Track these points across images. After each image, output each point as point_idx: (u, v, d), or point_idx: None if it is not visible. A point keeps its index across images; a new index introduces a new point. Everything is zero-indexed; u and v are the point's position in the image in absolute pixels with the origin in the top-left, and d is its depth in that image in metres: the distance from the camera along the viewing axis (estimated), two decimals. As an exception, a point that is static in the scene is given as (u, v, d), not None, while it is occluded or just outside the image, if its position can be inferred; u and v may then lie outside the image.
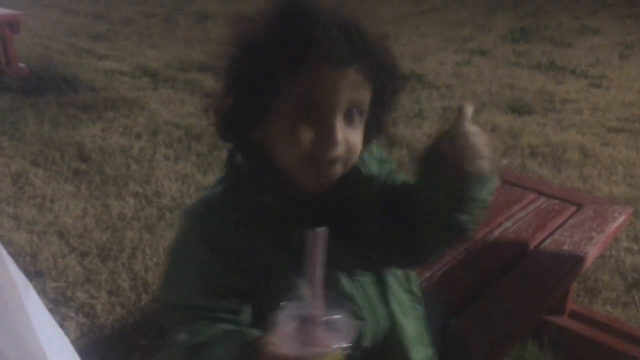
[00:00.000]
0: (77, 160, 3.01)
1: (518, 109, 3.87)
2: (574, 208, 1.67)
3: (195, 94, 4.05)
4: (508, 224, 1.59)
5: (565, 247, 1.47)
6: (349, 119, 0.77)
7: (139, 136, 3.30)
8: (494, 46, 5.55)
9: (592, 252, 1.46)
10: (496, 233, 1.54)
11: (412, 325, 0.89)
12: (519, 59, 5.12)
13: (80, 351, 0.89)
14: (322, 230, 0.66)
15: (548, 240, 1.51)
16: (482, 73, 4.70)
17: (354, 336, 0.64)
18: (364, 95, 0.77)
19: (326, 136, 0.75)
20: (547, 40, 5.77)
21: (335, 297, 0.77)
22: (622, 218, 1.62)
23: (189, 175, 2.83)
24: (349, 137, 0.77)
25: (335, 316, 0.65)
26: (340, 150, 0.76)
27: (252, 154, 0.82)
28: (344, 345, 0.63)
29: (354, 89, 0.75)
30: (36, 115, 3.54)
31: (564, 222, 1.60)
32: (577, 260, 1.43)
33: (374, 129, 0.84)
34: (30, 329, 0.56)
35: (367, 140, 0.83)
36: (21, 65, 4.27)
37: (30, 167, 2.90)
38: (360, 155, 0.83)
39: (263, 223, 0.79)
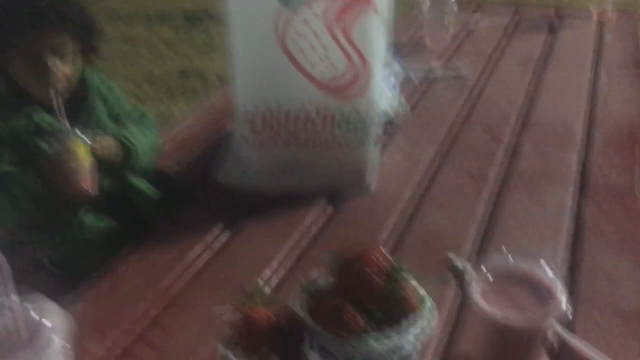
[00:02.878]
0: None
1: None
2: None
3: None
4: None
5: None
6: (59, 56, 1.25)
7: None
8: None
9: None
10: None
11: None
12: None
13: None
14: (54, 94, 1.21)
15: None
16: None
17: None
18: (68, 42, 1.26)
19: (45, 72, 1.24)
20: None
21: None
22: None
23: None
24: (61, 67, 1.26)
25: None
26: (58, 78, 1.25)
27: (6, 82, 1.28)
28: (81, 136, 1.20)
29: (59, 40, 1.24)
30: None
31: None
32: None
33: (85, 56, 1.33)
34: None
35: (85, 62, 1.33)
36: None
37: None
38: (87, 78, 1.35)
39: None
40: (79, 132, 1.23)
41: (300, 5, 1.16)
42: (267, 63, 1.20)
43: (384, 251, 0.74)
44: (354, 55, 1.19)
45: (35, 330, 0.75)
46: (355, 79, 1.21)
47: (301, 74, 1.20)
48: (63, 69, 1.27)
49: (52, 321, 0.76)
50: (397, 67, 1.65)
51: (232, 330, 0.71)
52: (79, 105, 1.35)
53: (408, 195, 1.36)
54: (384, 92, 1.37)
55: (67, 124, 1.23)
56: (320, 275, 0.78)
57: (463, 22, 2.47)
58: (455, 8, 2.25)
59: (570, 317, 0.95)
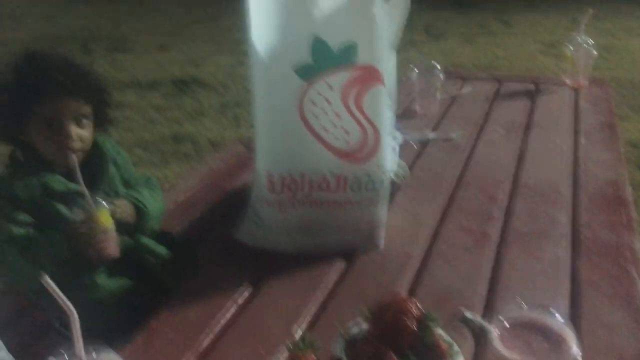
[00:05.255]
0: None
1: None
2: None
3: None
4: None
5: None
6: (79, 123, 1.35)
7: None
8: (262, 45, 6.35)
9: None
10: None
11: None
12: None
13: None
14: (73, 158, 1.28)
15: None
16: (251, 70, 5.45)
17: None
18: (85, 109, 1.36)
19: (64, 137, 1.32)
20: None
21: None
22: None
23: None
24: (80, 133, 1.35)
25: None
26: (76, 143, 1.34)
27: (23, 149, 1.36)
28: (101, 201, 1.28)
29: (77, 107, 1.33)
30: None
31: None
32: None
33: (100, 124, 1.43)
34: None
35: (99, 129, 1.42)
36: None
37: None
38: (101, 144, 1.43)
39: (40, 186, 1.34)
40: (98, 198, 1.31)
41: (317, 78, 1.28)
42: (286, 130, 1.31)
43: (415, 301, 0.81)
44: (366, 124, 1.30)
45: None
46: (366, 145, 1.31)
47: (318, 141, 1.30)
48: (80, 134, 1.35)
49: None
50: (395, 132, 1.77)
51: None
52: (94, 170, 1.43)
53: (414, 251, 1.44)
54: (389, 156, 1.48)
55: (86, 189, 1.30)
56: (353, 325, 0.85)
57: (448, 89, 2.63)
58: (442, 76, 2.42)
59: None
